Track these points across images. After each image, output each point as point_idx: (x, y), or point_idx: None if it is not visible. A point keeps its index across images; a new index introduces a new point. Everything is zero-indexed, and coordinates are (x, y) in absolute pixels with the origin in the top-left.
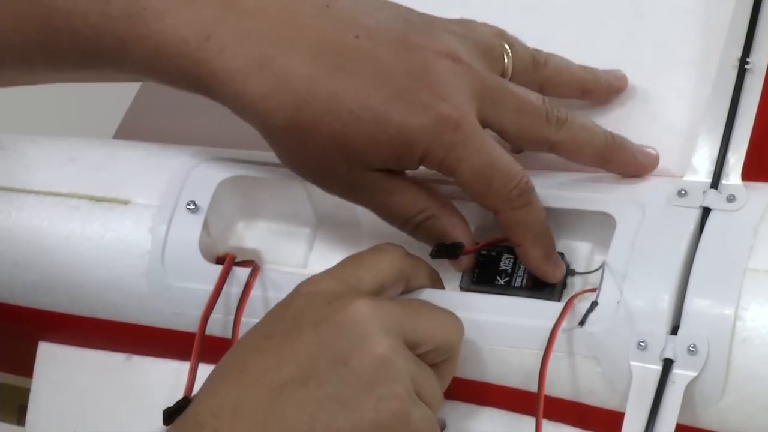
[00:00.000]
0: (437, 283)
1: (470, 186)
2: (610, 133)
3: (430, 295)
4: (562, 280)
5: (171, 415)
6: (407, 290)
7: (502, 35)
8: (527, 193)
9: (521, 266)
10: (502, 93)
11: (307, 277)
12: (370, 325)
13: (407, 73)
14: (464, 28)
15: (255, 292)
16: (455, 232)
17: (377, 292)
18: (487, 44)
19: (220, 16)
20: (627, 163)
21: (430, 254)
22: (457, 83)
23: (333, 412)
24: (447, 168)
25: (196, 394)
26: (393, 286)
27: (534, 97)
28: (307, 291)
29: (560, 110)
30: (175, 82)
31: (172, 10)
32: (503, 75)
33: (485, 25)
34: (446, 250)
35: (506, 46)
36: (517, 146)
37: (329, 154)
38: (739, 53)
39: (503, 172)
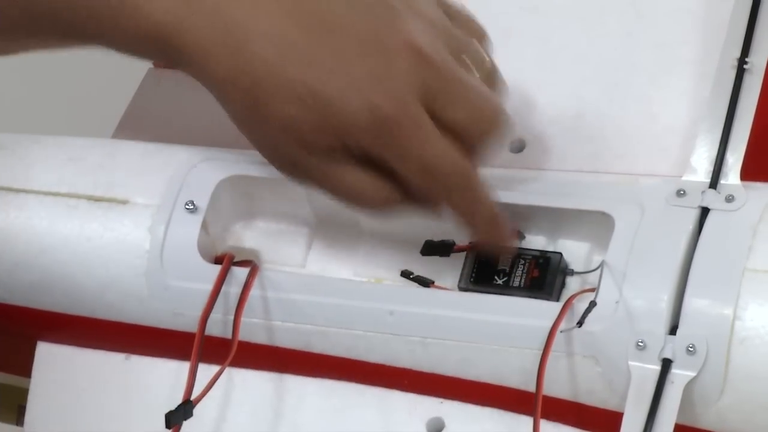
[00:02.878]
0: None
1: (410, 182)
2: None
3: (429, 295)
4: (561, 279)
5: (172, 418)
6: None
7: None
8: (467, 184)
9: (519, 266)
10: (457, 93)
11: None
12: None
13: (361, 69)
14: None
15: (254, 292)
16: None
17: None
18: (464, 44)
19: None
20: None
21: (420, 252)
22: (409, 79)
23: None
24: (389, 164)
25: None
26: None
27: (491, 96)
28: None
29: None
30: (153, 59)
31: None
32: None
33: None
34: (436, 247)
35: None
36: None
37: (281, 135)
38: (738, 53)
39: (443, 169)
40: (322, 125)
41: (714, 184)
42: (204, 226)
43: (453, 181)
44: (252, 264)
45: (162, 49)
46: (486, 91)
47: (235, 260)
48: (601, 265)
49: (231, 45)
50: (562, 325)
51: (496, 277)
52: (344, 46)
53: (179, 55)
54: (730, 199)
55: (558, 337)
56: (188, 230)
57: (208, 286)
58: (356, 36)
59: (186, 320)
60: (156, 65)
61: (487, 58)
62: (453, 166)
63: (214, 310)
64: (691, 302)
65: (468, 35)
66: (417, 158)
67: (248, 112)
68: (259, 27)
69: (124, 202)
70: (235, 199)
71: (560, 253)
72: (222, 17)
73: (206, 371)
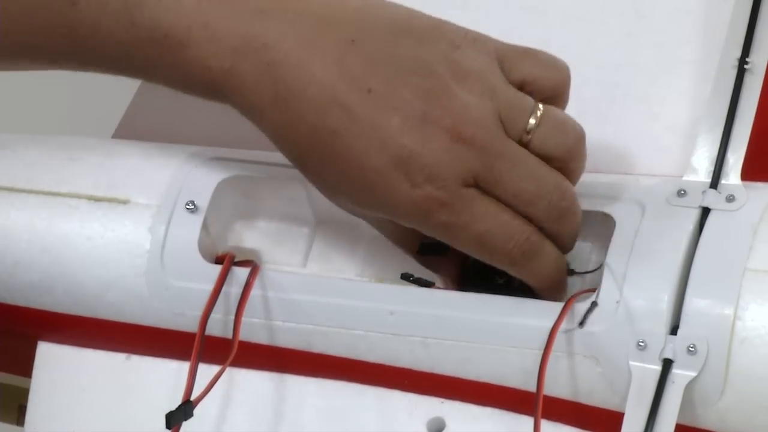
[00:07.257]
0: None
1: (471, 254)
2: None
3: (429, 295)
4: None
5: (172, 418)
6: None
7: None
8: (528, 250)
9: None
10: (503, 172)
11: None
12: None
13: (400, 151)
14: (509, 63)
15: (254, 292)
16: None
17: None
18: (514, 104)
19: (243, 49)
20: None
21: (417, 251)
22: (453, 162)
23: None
24: (443, 240)
25: None
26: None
27: (538, 181)
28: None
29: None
30: (200, 96)
31: (194, 43)
32: (522, 136)
33: (546, 64)
34: (432, 247)
35: (539, 107)
36: None
37: (332, 191)
38: (738, 53)
39: (498, 238)
40: (367, 202)
41: (714, 184)
42: (204, 226)
43: (507, 250)
44: (253, 264)
45: (213, 95)
46: (543, 173)
47: (236, 260)
48: (601, 266)
49: (273, 98)
50: (563, 326)
51: (497, 277)
52: (388, 118)
53: (232, 104)
54: (730, 199)
55: (558, 337)
56: (189, 230)
57: (209, 286)
58: (403, 111)
59: (186, 320)
60: None
61: (570, 128)
62: (508, 236)
63: (214, 310)
64: (691, 302)
65: (538, 91)
66: (466, 236)
67: (301, 167)
68: (302, 81)
69: (124, 202)
70: (236, 199)
71: None
72: (271, 71)
73: (206, 371)
